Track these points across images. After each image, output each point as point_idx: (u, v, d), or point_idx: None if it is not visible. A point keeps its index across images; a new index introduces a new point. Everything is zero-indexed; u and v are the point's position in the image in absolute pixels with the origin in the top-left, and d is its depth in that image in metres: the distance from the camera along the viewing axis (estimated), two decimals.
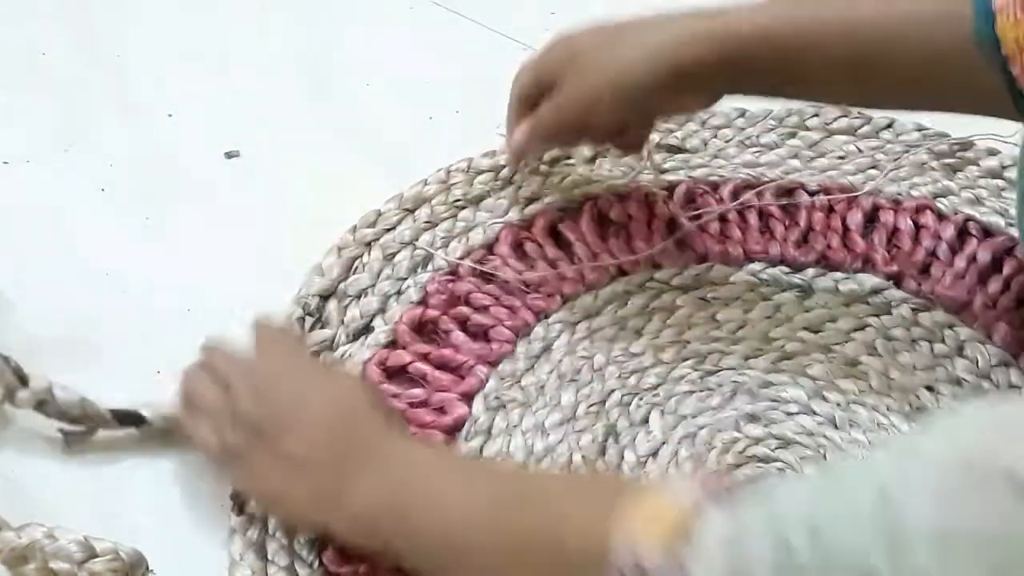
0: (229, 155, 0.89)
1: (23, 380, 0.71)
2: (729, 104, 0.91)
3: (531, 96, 0.79)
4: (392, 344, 0.77)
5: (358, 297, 0.80)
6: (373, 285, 0.80)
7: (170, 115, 0.92)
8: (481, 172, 0.87)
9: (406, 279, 0.81)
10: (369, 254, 0.82)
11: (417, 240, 0.83)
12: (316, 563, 0.68)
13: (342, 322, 0.78)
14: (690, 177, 0.87)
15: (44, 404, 0.71)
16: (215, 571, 0.69)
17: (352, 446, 0.63)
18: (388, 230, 0.84)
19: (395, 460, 0.62)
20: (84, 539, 0.64)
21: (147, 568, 0.65)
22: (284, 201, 0.82)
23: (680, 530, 0.48)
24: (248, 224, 0.85)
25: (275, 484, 0.64)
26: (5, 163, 0.88)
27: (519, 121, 0.80)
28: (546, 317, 0.79)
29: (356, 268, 0.81)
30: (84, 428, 0.72)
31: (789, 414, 0.74)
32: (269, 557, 0.68)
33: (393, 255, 0.82)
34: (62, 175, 0.88)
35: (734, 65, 0.71)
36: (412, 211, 0.85)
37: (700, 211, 0.84)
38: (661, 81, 0.72)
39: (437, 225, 0.84)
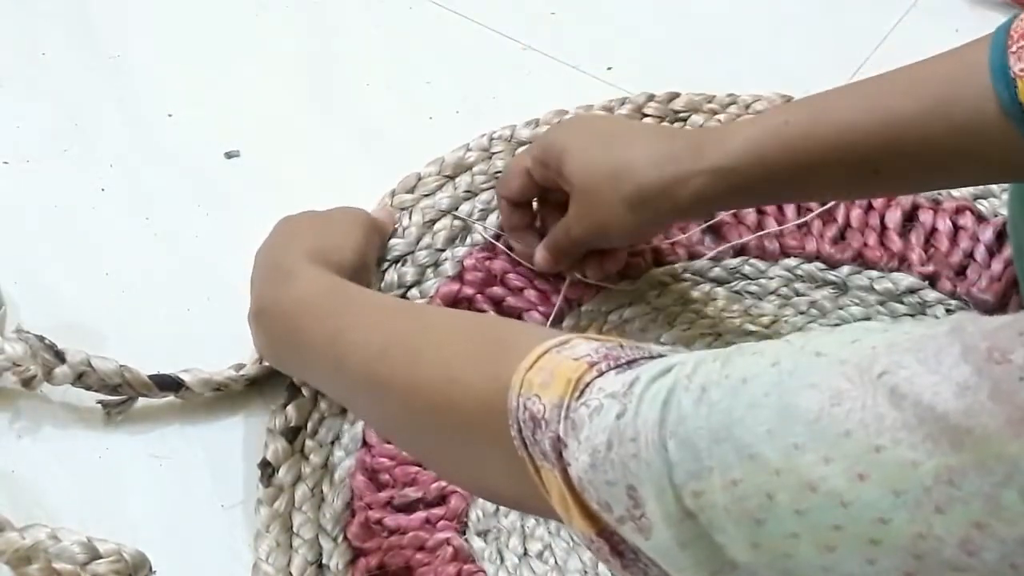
0: (229, 155, 0.89)
1: (60, 356, 0.71)
2: (772, 90, 0.91)
3: (525, 200, 0.80)
4: None
5: (396, 263, 0.81)
6: (412, 252, 0.81)
7: (170, 115, 0.92)
8: (523, 143, 0.87)
9: (444, 251, 0.82)
10: (409, 218, 0.83)
11: (456, 209, 0.83)
12: (340, 537, 0.69)
13: (380, 288, 0.79)
14: None
15: (84, 376, 0.72)
16: (217, 572, 0.69)
17: (278, 260, 0.71)
18: (427, 195, 0.84)
19: (291, 295, 0.68)
20: (87, 540, 0.64)
21: (150, 569, 0.65)
22: (284, 201, 0.82)
23: (577, 385, 0.49)
24: (248, 224, 0.84)
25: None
26: (5, 163, 0.88)
27: (516, 219, 0.81)
28: (579, 305, 0.80)
29: (396, 232, 0.82)
30: (124, 397, 0.73)
31: None
32: (294, 530, 0.70)
33: (433, 222, 0.83)
34: (62, 175, 0.88)
35: (732, 194, 0.71)
36: (452, 178, 0.85)
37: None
38: (662, 217, 0.74)
39: (476, 196, 0.84)
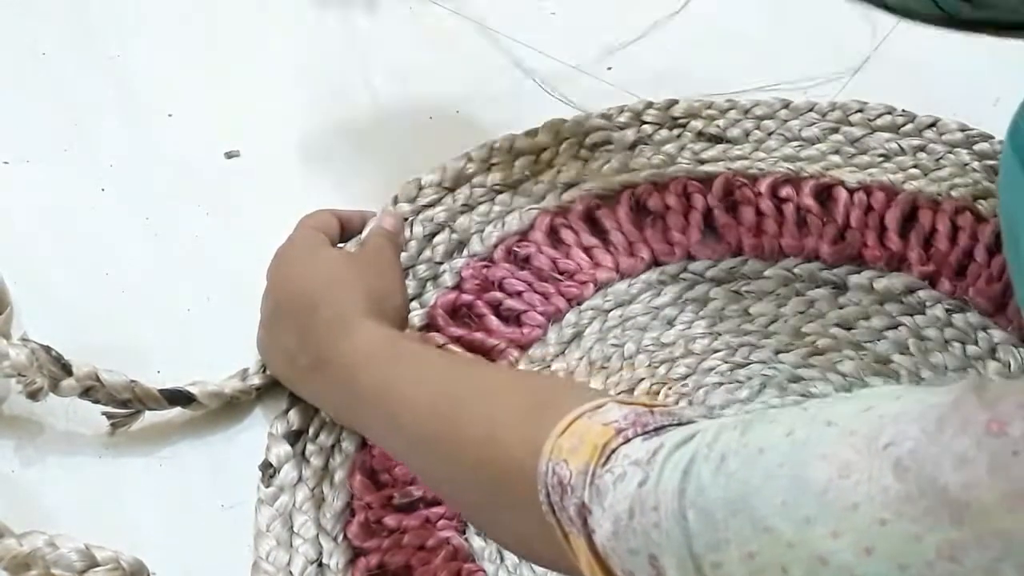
0: (229, 155, 0.89)
1: (66, 369, 0.71)
2: (773, 94, 0.92)
3: None
4: (427, 327, 0.79)
5: None
6: (413, 266, 0.81)
7: (170, 115, 0.92)
8: (522, 154, 0.87)
9: (442, 263, 0.82)
10: (411, 231, 0.83)
11: (454, 222, 0.84)
12: (340, 536, 0.69)
13: None
14: (729, 169, 0.87)
15: (91, 390, 0.71)
16: (217, 572, 0.69)
17: (338, 312, 0.69)
18: (427, 206, 0.84)
19: (351, 349, 0.67)
20: (85, 547, 0.64)
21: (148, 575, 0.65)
22: (284, 201, 0.82)
23: (603, 451, 0.50)
24: (248, 224, 0.85)
25: (260, 343, 0.75)
26: (5, 163, 0.88)
27: None
28: (579, 304, 0.80)
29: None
30: (131, 411, 0.72)
31: None
32: (295, 529, 0.70)
33: (432, 235, 0.83)
34: (62, 175, 0.88)
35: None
36: (452, 190, 0.85)
37: None
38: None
39: (474, 208, 0.85)
